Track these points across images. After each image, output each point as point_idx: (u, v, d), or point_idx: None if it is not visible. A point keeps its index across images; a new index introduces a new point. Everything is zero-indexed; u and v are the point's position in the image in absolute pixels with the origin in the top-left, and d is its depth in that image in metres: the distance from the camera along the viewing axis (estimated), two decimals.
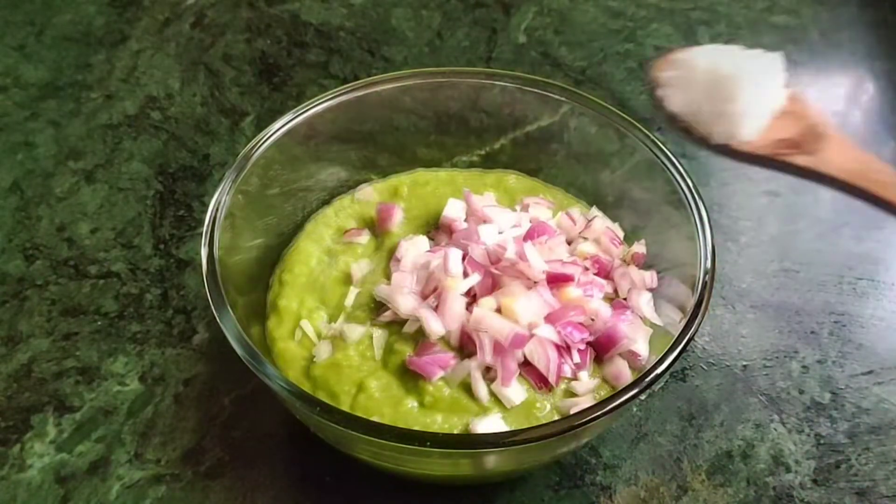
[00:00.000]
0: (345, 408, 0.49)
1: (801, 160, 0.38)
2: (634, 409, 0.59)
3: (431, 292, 0.51)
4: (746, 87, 0.38)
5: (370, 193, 0.63)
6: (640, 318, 0.53)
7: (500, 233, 0.55)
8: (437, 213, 0.59)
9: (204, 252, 0.51)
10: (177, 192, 0.72)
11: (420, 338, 0.51)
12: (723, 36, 0.88)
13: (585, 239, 0.57)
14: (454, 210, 0.58)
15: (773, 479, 0.55)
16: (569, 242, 0.57)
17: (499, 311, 0.50)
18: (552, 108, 0.61)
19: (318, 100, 0.60)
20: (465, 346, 0.50)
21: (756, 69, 0.39)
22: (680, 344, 0.46)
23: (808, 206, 0.71)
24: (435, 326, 0.50)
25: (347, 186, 0.64)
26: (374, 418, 0.48)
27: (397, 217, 0.59)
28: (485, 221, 0.56)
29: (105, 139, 0.77)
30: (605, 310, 0.52)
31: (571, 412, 0.47)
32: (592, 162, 0.62)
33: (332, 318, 0.54)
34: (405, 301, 0.51)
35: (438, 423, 0.48)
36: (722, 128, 0.38)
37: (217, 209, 0.53)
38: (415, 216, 0.60)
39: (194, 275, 0.66)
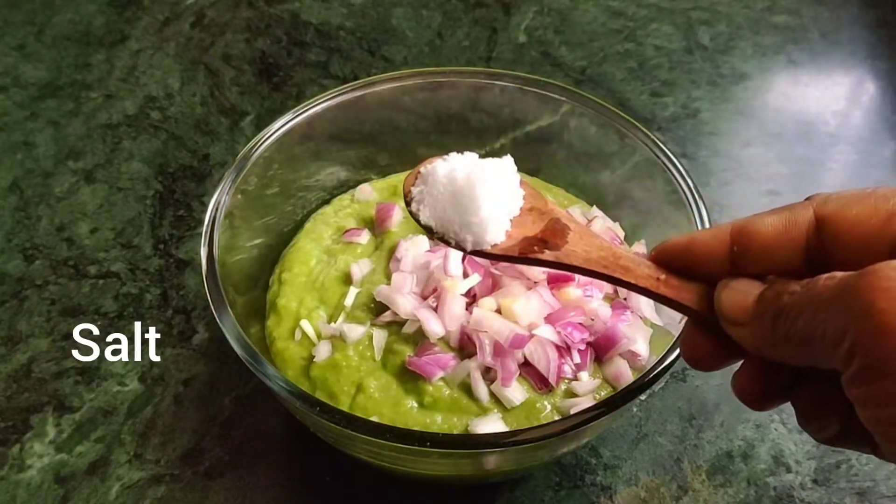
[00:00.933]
0: (344, 408, 0.49)
1: (548, 255, 0.39)
2: (635, 410, 0.58)
3: (431, 293, 0.51)
4: (484, 194, 0.40)
5: (370, 193, 0.63)
6: (640, 318, 0.53)
7: None
8: None
9: (203, 252, 0.51)
10: (176, 192, 0.72)
11: (420, 338, 0.50)
12: (723, 35, 0.89)
13: None
14: None
15: (773, 480, 0.55)
16: None
17: (499, 311, 0.50)
18: (552, 108, 0.61)
19: (318, 100, 0.60)
20: (464, 346, 0.50)
21: (489, 175, 0.41)
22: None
23: None
24: (435, 327, 0.50)
25: (347, 186, 0.64)
26: (374, 418, 0.48)
27: (397, 216, 0.59)
28: None
29: (105, 139, 0.77)
30: (604, 310, 0.52)
31: (572, 412, 0.47)
32: (592, 162, 0.62)
33: (332, 318, 0.54)
34: (405, 302, 0.51)
35: (438, 423, 0.48)
36: (471, 236, 0.40)
37: (217, 209, 0.53)
38: None
39: (194, 275, 0.66)
